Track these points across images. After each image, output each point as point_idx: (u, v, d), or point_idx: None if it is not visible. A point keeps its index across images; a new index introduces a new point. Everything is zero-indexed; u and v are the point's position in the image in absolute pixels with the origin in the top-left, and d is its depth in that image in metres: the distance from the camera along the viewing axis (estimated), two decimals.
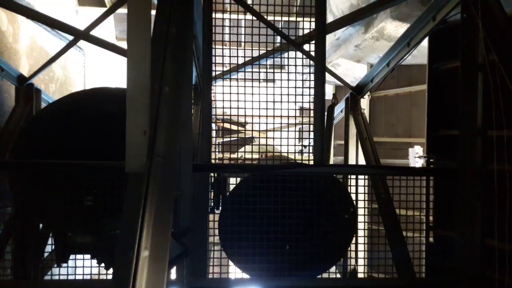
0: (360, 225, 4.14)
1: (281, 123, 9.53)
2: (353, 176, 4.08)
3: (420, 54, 4.45)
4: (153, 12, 2.00)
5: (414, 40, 3.66)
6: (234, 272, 4.07)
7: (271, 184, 3.41)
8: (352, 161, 4.96)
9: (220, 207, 3.61)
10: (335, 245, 3.66)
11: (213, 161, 3.70)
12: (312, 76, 3.39)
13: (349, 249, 3.91)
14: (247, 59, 4.00)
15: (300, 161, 4.40)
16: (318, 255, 3.54)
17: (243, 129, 11.12)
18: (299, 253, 3.48)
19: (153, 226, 1.65)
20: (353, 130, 4.86)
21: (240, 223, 3.44)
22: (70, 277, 3.60)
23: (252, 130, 10.04)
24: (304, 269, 3.53)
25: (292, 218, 3.47)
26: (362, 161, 4.76)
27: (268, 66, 5.51)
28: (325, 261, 3.67)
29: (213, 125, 4.37)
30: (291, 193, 3.44)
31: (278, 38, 3.82)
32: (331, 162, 5.79)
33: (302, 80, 4.15)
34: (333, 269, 4.10)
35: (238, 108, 3.70)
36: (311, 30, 3.60)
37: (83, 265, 3.60)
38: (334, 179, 3.73)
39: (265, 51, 4.02)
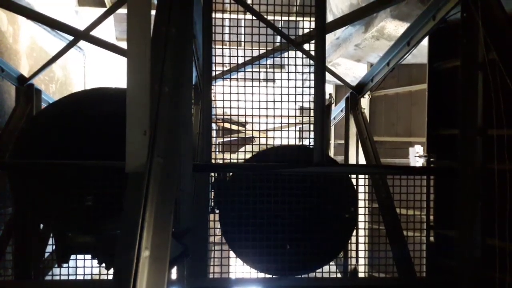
0: (361, 225, 4.15)
1: (281, 123, 9.54)
2: (354, 176, 4.08)
3: (420, 53, 4.45)
4: (153, 12, 2.00)
5: (414, 39, 3.66)
6: (235, 272, 4.08)
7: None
8: (352, 160, 4.96)
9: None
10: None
11: (213, 161, 3.71)
12: (312, 75, 3.38)
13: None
14: (247, 59, 3.99)
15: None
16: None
17: (243, 129, 11.12)
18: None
19: (154, 226, 1.65)
20: (353, 130, 4.86)
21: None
22: (71, 277, 3.60)
23: (252, 130, 10.03)
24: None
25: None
26: (362, 160, 4.75)
27: (268, 66, 5.51)
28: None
29: (213, 125, 4.37)
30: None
31: (278, 38, 3.81)
32: None
33: (302, 80, 4.16)
34: (333, 268, 4.10)
35: (238, 108, 3.70)
36: (311, 29, 3.60)
37: (84, 265, 3.61)
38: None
39: (265, 50, 4.02)
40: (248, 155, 4.08)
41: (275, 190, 3.49)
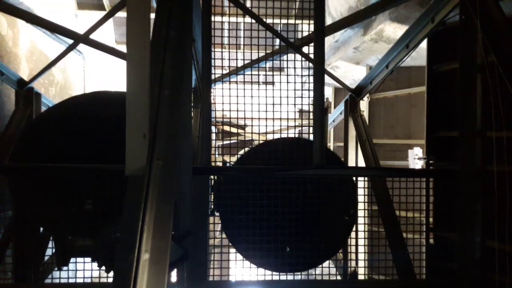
0: (361, 227, 4.15)
1: (280, 126, 9.54)
2: (353, 178, 4.08)
3: (419, 55, 4.46)
4: (152, 15, 2.01)
5: (413, 41, 3.67)
6: (235, 274, 4.08)
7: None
8: (351, 163, 4.96)
9: None
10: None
11: (212, 163, 3.71)
12: (311, 78, 3.39)
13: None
14: (246, 61, 4.01)
15: None
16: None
17: (243, 131, 11.12)
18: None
19: (153, 229, 1.65)
20: (352, 132, 4.87)
21: None
22: (71, 281, 3.60)
23: (252, 133, 10.04)
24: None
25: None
26: (361, 163, 4.76)
27: (267, 69, 5.52)
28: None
29: (213, 128, 4.37)
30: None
31: (277, 41, 3.83)
32: None
33: (302, 83, 4.16)
34: (333, 271, 4.10)
35: (237, 110, 3.71)
36: (310, 32, 3.61)
37: (84, 268, 3.60)
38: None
39: (264, 53, 4.03)
40: None
41: (275, 191, 3.50)
